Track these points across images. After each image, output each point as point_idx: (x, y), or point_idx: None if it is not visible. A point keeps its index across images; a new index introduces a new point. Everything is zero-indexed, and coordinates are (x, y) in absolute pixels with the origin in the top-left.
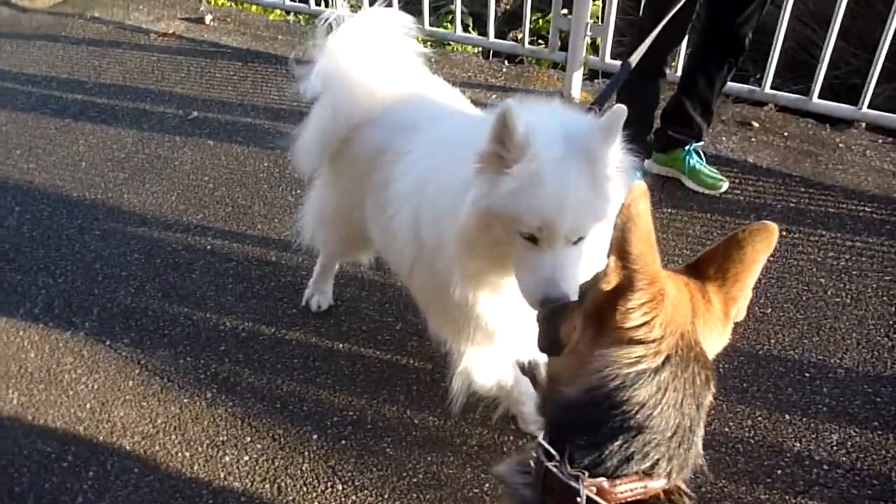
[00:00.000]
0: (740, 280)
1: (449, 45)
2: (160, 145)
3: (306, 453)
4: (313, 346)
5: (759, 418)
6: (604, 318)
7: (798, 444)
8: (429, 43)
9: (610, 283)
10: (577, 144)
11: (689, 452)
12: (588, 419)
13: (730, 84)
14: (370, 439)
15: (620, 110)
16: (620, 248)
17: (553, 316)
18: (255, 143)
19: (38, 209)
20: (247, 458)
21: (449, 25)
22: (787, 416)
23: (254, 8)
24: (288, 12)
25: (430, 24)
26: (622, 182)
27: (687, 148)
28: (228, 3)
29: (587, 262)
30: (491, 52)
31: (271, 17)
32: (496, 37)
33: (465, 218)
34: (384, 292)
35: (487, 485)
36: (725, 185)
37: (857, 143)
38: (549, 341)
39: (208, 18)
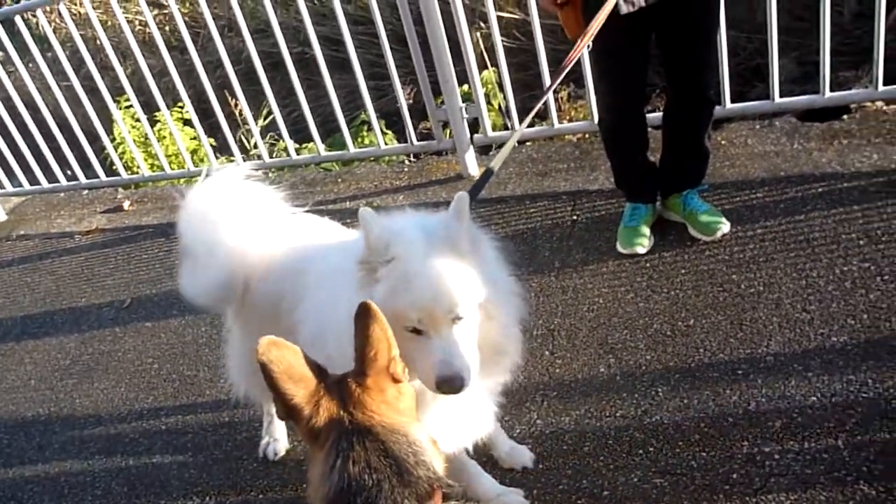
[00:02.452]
0: (369, 355)
1: (351, 162)
2: (101, 341)
3: None
4: (279, 495)
5: (705, 429)
6: (307, 444)
7: (746, 443)
8: (329, 165)
9: (280, 415)
10: (434, 235)
11: (413, 486)
12: None
13: None
14: None
15: (463, 196)
16: (271, 388)
17: None
18: (189, 311)
19: None
20: None
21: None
22: (730, 419)
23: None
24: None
25: (325, 148)
26: (490, 258)
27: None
28: (144, 184)
29: (472, 337)
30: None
31: (185, 184)
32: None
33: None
34: None
35: None
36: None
37: (737, 136)
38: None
39: (126, 204)
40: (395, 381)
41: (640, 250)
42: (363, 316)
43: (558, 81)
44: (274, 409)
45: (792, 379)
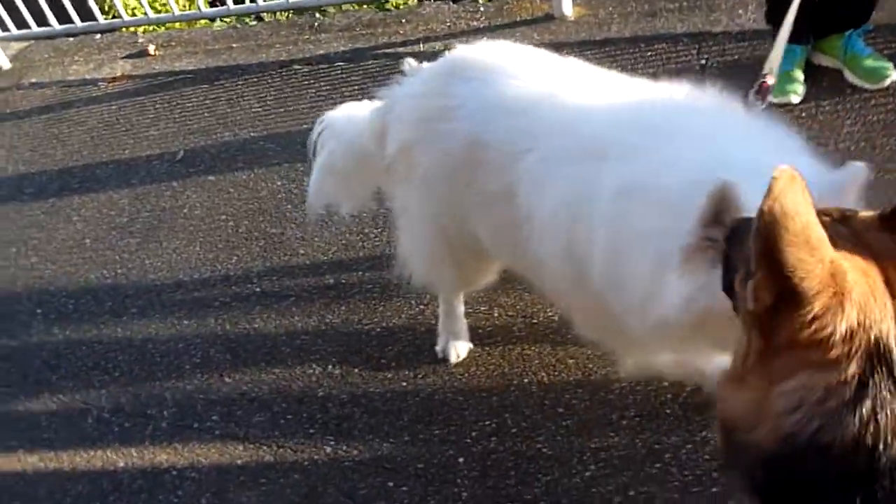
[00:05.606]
0: None
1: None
2: (159, 197)
3: (458, 481)
4: (432, 383)
5: None
6: (769, 343)
7: None
8: (397, 4)
9: (761, 303)
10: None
11: None
12: (796, 478)
13: None
14: (520, 444)
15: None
16: (767, 259)
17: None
18: (257, 163)
19: (61, 304)
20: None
21: None
22: None
23: (201, 22)
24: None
25: None
26: None
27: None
28: (165, 27)
29: None
30: None
31: (215, 26)
32: None
33: (675, 318)
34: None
35: (667, 454)
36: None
37: None
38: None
39: (151, 48)
40: None
41: (795, 98)
42: None
43: None
44: (456, 302)
45: None
